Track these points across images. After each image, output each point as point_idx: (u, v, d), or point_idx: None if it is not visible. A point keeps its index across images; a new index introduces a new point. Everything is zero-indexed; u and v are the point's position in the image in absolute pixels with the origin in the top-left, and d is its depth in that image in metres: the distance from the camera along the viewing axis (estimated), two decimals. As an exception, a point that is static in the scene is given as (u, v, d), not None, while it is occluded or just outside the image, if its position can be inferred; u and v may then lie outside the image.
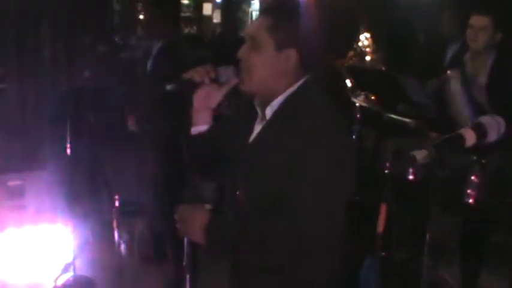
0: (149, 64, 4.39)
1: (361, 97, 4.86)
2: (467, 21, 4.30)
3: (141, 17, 10.98)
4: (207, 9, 12.10)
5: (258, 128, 2.24)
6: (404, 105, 4.72)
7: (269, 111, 2.18)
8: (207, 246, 2.16)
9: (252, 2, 11.81)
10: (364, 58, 8.69)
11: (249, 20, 11.94)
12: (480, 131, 1.34)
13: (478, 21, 4.15)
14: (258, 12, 11.57)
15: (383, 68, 6.98)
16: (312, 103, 2.16)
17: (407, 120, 4.13)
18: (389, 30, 8.28)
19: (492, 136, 1.36)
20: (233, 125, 2.35)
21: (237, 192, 2.26)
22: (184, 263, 2.35)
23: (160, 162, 4.24)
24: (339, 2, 9.65)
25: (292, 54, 2.13)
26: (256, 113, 2.26)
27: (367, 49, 8.96)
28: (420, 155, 1.29)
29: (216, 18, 12.12)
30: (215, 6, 12.19)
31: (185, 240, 2.31)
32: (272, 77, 2.14)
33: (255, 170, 2.17)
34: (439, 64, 5.65)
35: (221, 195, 2.42)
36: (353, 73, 5.97)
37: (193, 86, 2.19)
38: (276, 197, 2.05)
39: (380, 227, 1.27)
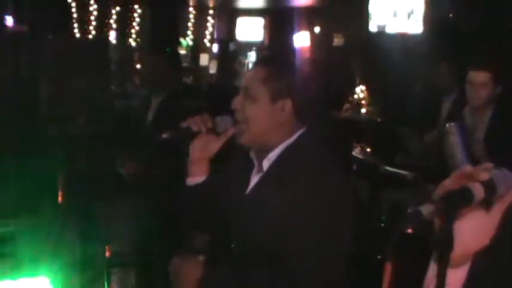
0: (150, 114, 4.36)
1: (357, 149, 4.85)
2: (463, 73, 4.30)
3: (138, 66, 11.09)
4: (203, 59, 12.18)
5: (254, 179, 2.20)
6: (402, 157, 4.70)
7: (266, 164, 2.15)
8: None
9: (249, 53, 11.92)
10: (360, 110, 8.75)
11: (245, 72, 12.03)
12: (489, 184, 1.27)
13: (478, 77, 4.09)
14: (254, 64, 11.68)
15: (379, 120, 7.01)
16: (309, 155, 2.14)
17: (404, 172, 4.10)
18: (385, 83, 8.34)
19: (501, 189, 1.29)
20: (229, 176, 2.32)
21: (232, 245, 2.22)
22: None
23: (155, 212, 4.19)
24: (334, 55, 9.76)
25: (287, 105, 2.11)
26: (253, 164, 2.23)
27: (363, 101, 9.03)
28: (426, 209, 1.21)
29: (212, 69, 12.20)
30: (212, 56, 12.29)
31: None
32: (268, 128, 2.12)
33: (252, 223, 2.12)
34: (435, 116, 5.66)
35: (214, 247, 2.37)
36: (349, 125, 5.98)
37: (190, 135, 2.16)
38: (272, 250, 2.01)
39: (385, 286, 1.18)
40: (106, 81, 7.14)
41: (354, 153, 4.78)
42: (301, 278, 1.99)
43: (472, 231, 1.22)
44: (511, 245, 1.35)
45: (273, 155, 2.14)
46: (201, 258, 2.22)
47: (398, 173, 4.14)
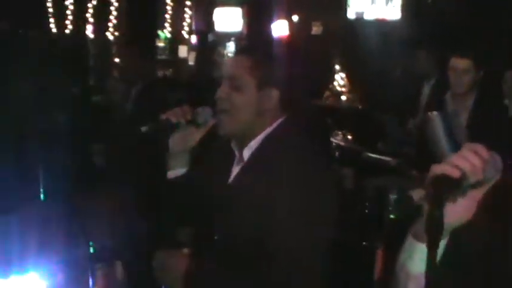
0: (129, 105, 4.36)
1: (339, 136, 4.84)
2: (442, 58, 4.30)
3: (117, 60, 11.00)
4: (182, 51, 12.09)
5: (236, 169, 2.20)
6: (384, 143, 4.70)
7: (247, 153, 2.15)
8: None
9: (228, 44, 11.85)
10: (340, 98, 8.76)
11: (226, 61, 11.96)
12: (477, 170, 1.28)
13: (460, 63, 4.12)
14: (232, 55, 11.64)
15: (359, 107, 7.01)
16: (290, 144, 2.13)
17: (388, 158, 4.11)
18: (364, 70, 8.35)
19: (490, 173, 1.30)
20: (210, 168, 2.30)
21: (216, 237, 2.21)
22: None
23: (138, 206, 4.17)
24: (313, 42, 9.74)
25: (273, 93, 2.11)
26: (234, 154, 2.21)
27: (343, 89, 9.04)
28: (417, 195, 1.23)
29: (191, 61, 12.11)
30: (190, 48, 12.20)
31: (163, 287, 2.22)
32: (253, 117, 2.12)
33: (234, 213, 2.12)
34: (415, 102, 5.68)
35: (197, 240, 2.36)
36: (330, 113, 5.98)
37: (170, 127, 2.13)
38: (258, 237, 2.00)
39: (377, 273, 1.23)
40: (85, 76, 7.08)
41: (336, 140, 4.78)
42: (285, 266, 1.99)
43: (454, 208, 1.25)
44: (490, 222, 1.38)
45: (253, 144, 2.14)
46: (185, 251, 2.21)
47: (382, 159, 4.15)
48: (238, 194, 2.14)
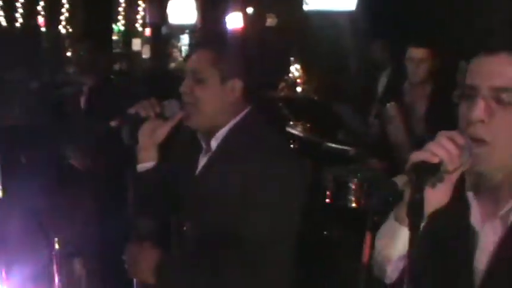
0: (82, 101, 4.31)
1: (298, 127, 4.89)
2: (397, 49, 4.37)
3: (69, 54, 10.83)
4: (136, 44, 12.02)
5: (203, 160, 2.22)
6: (343, 133, 4.77)
7: (214, 143, 2.17)
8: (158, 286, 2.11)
9: (182, 36, 11.81)
10: (296, 89, 8.82)
11: (179, 55, 11.92)
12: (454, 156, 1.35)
13: (417, 53, 4.19)
14: (186, 47, 11.59)
15: (315, 98, 7.08)
16: (257, 134, 2.17)
17: (347, 148, 4.17)
18: (320, 61, 8.42)
19: (465, 157, 1.36)
20: (177, 160, 2.32)
21: (184, 228, 2.23)
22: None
23: (101, 201, 4.15)
24: (268, 34, 9.78)
25: (237, 85, 2.13)
26: (200, 146, 2.23)
27: (298, 80, 9.10)
28: (400, 180, 1.29)
29: (146, 54, 12.05)
30: (144, 41, 12.13)
31: (134, 281, 2.22)
32: (218, 109, 2.14)
33: (204, 202, 2.14)
34: (371, 92, 5.77)
35: (166, 232, 2.37)
36: (286, 104, 6.02)
37: (139, 120, 2.14)
38: (227, 226, 2.04)
39: (365, 256, 1.27)
40: (37, 70, 6.97)
41: (295, 131, 4.82)
42: (255, 255, 2.02)
43: (433, 193, 1.32)
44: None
45: (220, 134, 2.16)
46: (149, 244, 2.19)
47: (341, 149, 4.21)
48: (206, 184, 2.16)
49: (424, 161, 1.31)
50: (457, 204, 1.46)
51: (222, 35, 2.26)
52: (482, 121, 1.40)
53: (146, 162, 2.22)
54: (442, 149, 1.33)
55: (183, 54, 11.48)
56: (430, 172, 1.30)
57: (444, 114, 4.10)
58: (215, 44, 2.19)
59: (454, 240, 1.49)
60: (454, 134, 1.37)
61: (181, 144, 2.33)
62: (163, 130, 2.20)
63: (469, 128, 1.41)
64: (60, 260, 3.81)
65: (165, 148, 2.28)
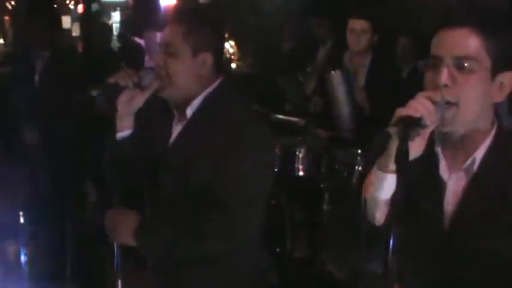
0: (36, 77, 4.30)
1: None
2: (335, 23, 4.50)
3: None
4: (65, 22, 11.79)
5: (177, 128, 2.32)
6: (291, 104, 4.91)
7: (190, 111, 2.27)
8: (139, 249, 2.20)
9: (112, 14, 11.69)
10: (230, 65, 8.91)
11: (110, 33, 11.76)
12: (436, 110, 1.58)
13: (358, 24, 4.37)
14: (118, 25, 11.46)
15: (256, 73, 7.18)
16: (230, 102, 2.29)
17: (295, 119, 4.31)
18: (255, 37, 8.51)
19: (439, 114, 1.59)
20: (150, 128, 2.40)
21: (159, 192, 2.32)
22: (115, 268, 2.35)
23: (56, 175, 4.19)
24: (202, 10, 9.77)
25: (208, 58, 2.24)
26: (172, 114, 2.32)
27: (233, 56, 9.18)
28: (392, 131, 1.51)
29: (75, 32, 11.86)
30: (74, 19, 11.93)
31: (115, 245, 2.31)
32: (191, 81, 2.24)
33: (180, 168, 2.24)
34: (309, 65, 5.93)
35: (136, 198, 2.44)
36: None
37: (118, 90, 2.21)
38: (201, 190, 2.14)
39: (367, 191, 1.54)
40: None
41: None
42: (229, 217, 2.13)
43: (412, 145, 1.52)
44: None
45: (195, 103, 2.26)
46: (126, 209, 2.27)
47: (290, 120, 4.35)
48: (182, 149, 2.26)
49: (408, 115, 1.52)
50: (428, 158, 1.69)
51: (193, 10, 2.34)
52: (446, 85, 1.62)
53: (123, 131, 2.30)
54: (421, 105, 1.55)
55: (114, 32, 11.36)
56: (413, 125, 1.51)
57: (382, 82, 4.34)
58: (187, 18, 2.26)
59: (425, 189, 1.71)
60: (431, 93, 1.60)
61: (155, 112, 2.42)
62: (140, 99, 2.28)
63: (435, 91, 1.62)
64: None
65: (138, 116, 2.37)
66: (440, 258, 1.68)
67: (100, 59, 6.51)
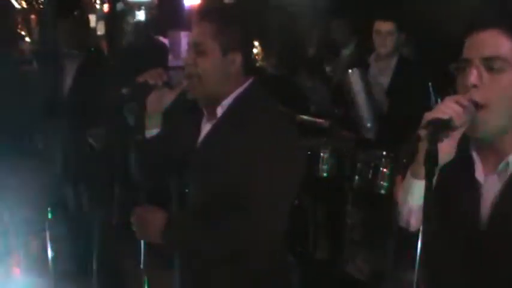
0: (68, 78, 4.34)
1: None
2: (358, 25, 4.48)
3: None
4: (91, 21, 11.86)
5: (206, 127, 2.32)
6: (316, 105, 4.90)
7: (220, 111, 2.28)
8: (166, 247, 2.22)
9: (137, 13, 11.74)
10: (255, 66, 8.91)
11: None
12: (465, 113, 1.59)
13: (384, 26, 4.36)
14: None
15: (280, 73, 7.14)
16: (260, 102, 2.29)
17: (320, 120, 4.31)
18: (279, 37, 8.49)
19: (467, 117, 1.59)
20: (179, 127, 2.42)
21: (186, 190, 2.34)
22: (141, 266, 2.38)
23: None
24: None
25: (237, 57, 2.24)
26: (201, 113, 2.33)
27: (256, 57, 9.18)
28: (423, 133, 1.52)
29: (100, 30, 11.93)
30: (99, 17, 12.00)
31: (142, 242, 2.33)
32: (220, 80, 2.24)
33: (209, 166, 2.25)
34: (333, 69, 5.92)
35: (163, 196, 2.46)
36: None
37: (148, 89, 2.23)
38: (231, 190, 2.15)
39: (397, 196, 1.57)
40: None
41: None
42: (255, 217, 2.14)
43: (442, 147, 1.54)
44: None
45: (226, 102, 2.26)
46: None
47: (314, 121, 4.35)
48: (210, 148, 2.27)
49: (437, 118, 1.55)
50: (463, 162, 1.72)
51: (223, 9, 2.35)
52: (476, 86, 1.64)
53: (152, 129, 2.32)
54: (449, 108, 1.58)
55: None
56: (442, 127, 1.53)
57: (407, 85, 4.32)
58: (216, 17, 2.27)
59: (461, 192, 1.74)
60: (458, 97, 1.63)
61: (184, 111, 2.43)
62: (168, 98, 2.30)
63: (465, 94, 1.64)
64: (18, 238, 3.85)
65: (166, 115, 2.38)
66: (475, 260, 1.70)
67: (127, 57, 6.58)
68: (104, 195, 4.24)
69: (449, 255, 1.71)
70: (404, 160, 1.66)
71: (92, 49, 4.52)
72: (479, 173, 1.74)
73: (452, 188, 1.65)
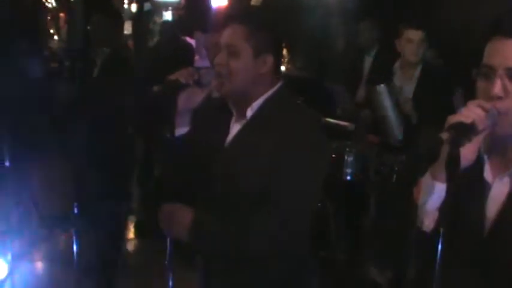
0: (95, 71, 4.40)
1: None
2: (384, 30, 4.46)
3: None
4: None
5: (236, 127, 2.34)
6: (342, 108, 4.91)
7: (250, 112, 2.30)
8: (191, 245, 2.24)
9: (164, 13, 11.82)
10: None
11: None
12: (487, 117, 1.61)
13: (416, 35, 4.33)
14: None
15: (309, 76, 7.16)
16: (290, 105, 2.32)
17: (345, 123, 4.32)
18: (307, 41, 8.50)
19: (490, 122, 1.63)
20: (208, 126, 2.44)
21: (214, 190, 2.35)
22: (166, 262, 2.40)
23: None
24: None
25: (268, 59, 2.26)
26: (230, 114, 2.36)
27: (283, 59, 9.19)
28: (445, 136, 1.54)
29: (127, 30, 12.01)
30: (126, 17, 12.09)
31: (168, 239, 2.35)
32: (251, 81, 2.26)
33: (238, 167, 2.26)
34: (356, 72, 5.91)
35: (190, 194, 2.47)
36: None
37: (179, 87, 2.26)
38: (258, 190, 2.16)
39: (417, 197, 1.60)
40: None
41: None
42: (282, 218, 2.15)
43: (464, 151, 1.57)
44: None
45: (256, 104, 2.28)
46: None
47: (340, 124, 4.36)
48: (239, 148, 2.28)
49: (460, 121, 1.57)
50: (473, 163, 1.71)
51: (254, 12, 2.37)
52: (500, 98, 1.65)
53: (182, 127, 2.35)
54: (473, 112, 1.60)
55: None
56: (465, 131, 1.56)
57: (432, 94, 4.30)
58: (248, 19, 2.29)
59: (470, 193, 1.75)
60: (481, 102, 1.65)
61: (213, 111, 2.45)
62: (199, 97, 2.33)
63: (488, 102, 1.65)
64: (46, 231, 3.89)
65: (195, 115, 2.41)
66: (478, 262, 1.71)
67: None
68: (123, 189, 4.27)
69: (455, 257, 1.71)
70: (424, 162, 1.65)
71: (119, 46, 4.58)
72: (488, 174, 1.76)
73: (462, 189, 1.66)
